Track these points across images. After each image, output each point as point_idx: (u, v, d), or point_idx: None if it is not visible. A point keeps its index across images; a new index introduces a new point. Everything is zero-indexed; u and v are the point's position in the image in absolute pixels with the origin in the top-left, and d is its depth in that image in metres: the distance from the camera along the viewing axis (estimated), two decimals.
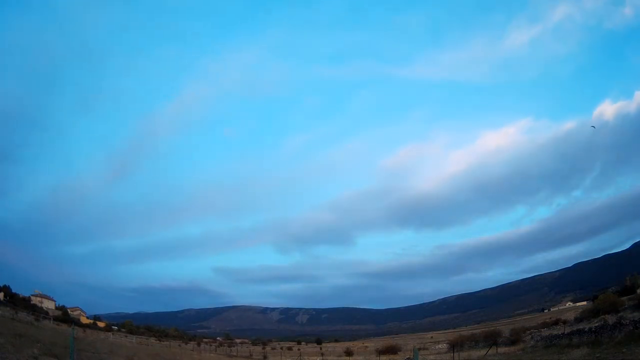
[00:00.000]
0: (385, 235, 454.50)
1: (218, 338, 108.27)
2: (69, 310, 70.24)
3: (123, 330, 70.17)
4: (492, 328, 50.10)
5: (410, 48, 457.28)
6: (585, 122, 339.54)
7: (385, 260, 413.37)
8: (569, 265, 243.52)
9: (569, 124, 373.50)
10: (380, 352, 45.72)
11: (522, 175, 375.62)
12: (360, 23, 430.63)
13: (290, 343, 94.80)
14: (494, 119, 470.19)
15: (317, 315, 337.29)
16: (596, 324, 26.28)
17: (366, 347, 66.91)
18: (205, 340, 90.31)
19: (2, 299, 50.67)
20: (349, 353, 49.22)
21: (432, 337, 79.20)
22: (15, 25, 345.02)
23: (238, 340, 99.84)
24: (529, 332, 42.13)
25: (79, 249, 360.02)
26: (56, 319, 48.54)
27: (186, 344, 63.90)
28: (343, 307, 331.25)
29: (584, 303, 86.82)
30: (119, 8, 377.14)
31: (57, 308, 66.87)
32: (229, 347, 70.42)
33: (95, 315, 78.51)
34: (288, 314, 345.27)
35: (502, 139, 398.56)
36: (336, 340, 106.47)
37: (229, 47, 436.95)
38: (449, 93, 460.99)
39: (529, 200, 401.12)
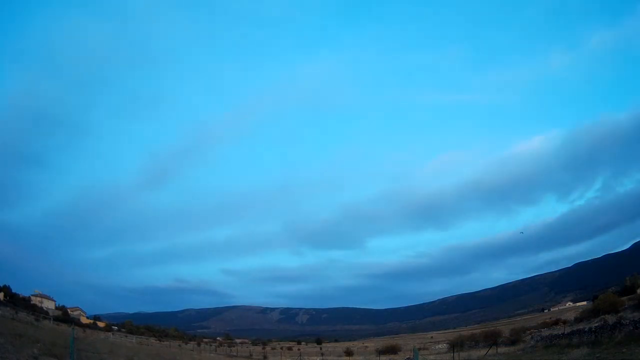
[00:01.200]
0: (393, 237, 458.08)
1: (218, 338, 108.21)
2: (69, 310, 70.19)
3: (123, 330, 70.13)
4: (492, 328, 50.11)
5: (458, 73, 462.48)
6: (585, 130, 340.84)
7: (394, 262, 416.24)
8: (569, 265, 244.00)
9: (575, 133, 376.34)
10: (380, 352, 45.77)
11: (526, 180, 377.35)
12: (423, 48, 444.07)
13: (290, 343, 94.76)
14: (522, 130, 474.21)
15: (317, 315, 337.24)
16: (596, 324, 26.27)
17: (366, 347, 66.92)
18: (205, 340, 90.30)
19: (2, 299, 50.62)
20: (349, 353, 49.26)
21: (432, 337, 79.19)
22: (73, 27, 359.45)
23: (238, 340, 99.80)
24: (529, 332, 42.13)
25: (100, 253, 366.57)
26: (56, 319, 48.52)
27: (186, 344, 63.89)
28: (343, 307, 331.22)
29: (584, 303, 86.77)
30: (180, 17, 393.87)
31: (57, 308, 66.82)
32: (229, 347, 70.42)
33: (95, 315, 78.49)
34: (288, 314, 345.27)
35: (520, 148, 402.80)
36: (336, 340, 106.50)
37: (297, 62, 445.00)
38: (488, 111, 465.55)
39: (531, 202, 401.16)
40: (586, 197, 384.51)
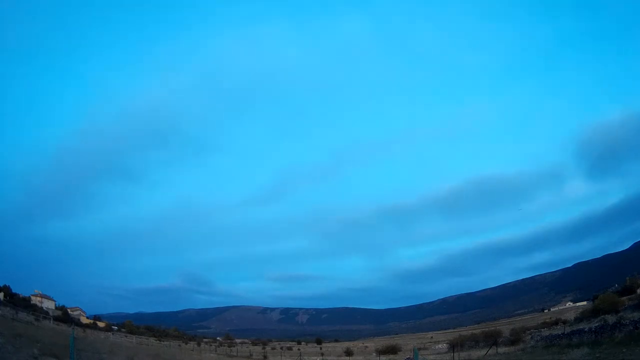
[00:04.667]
0: None
1: (218, 338, 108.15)
2: (69, 310, 70.17)
3: (123, 330, 70.12)
4: (492, 328, 50.18)
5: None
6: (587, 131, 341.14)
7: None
8: (569, 265, 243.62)
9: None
10: (380, 352, 45.78)
11: (525, 177, 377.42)
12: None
13: (290, 343, 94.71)
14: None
15: (317, 315, 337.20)
16: (596, 324, 26.27)
17: (366, 347, 66.92)
18: (205, 340, 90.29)
19: (2, 299, 50.63)
20: (349, 353, 49.27)
21: (432, 337, 79.17)
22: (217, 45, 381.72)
23: (238, 340, 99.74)
24: (529, 332, 42.15)
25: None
26: (56, 319, 48.56)
27: (186, 344, 63.89)
28: (343, 307, 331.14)
29: (584, 303, 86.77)
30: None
31: (57, 308, 66.81)
32: (229, 347, 70.39)
33: (95, 315, 78.44)
34: (288, 314, 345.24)
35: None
36: (336, 340, 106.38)
37: None
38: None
39: (530, 201, 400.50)
40: (586, 197, 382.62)
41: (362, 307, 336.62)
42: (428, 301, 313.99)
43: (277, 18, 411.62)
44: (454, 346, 39.98)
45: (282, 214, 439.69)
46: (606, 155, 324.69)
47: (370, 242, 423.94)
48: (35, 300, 62.25)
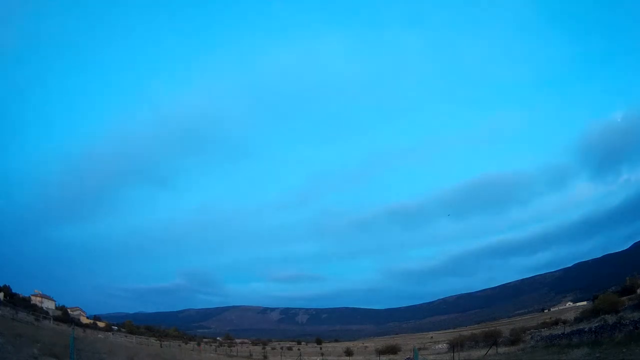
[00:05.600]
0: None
1: (218, 338, 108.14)
2: (69, 310, 70.16)
3: (123, 330, 70.11)
4: (492, 328, 50.14)
5: None
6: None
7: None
8: (569, 265, 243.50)
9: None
10: (380, 352, 45.78)
11: (527, 178, 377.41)
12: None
13: (290, 343, 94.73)
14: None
15: (317, 315, 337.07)
16: (596, 324, 26.29)
17: (366, 347, 66.90)
18: (205, 340, 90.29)
19: (2, 299, 50.62)
20: (349, 353, 49.28)
21: (432, 337, 79.16)
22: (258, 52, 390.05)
23: (238, 341, 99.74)
24: (529, 332, 42.15)
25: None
26: (56, 319, 48.56)
27: (186, 344, 63.90)
28: (343, 307, 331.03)
29: (584, 303, 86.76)
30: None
31: (57, 308, 66.81)
32: (229, 347, 70.41)
33: (95, 316, 78.47)
34: (288, 314, 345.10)
35: None
36: (336, 340, 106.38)
37: None
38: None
39: (529, 202, 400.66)
40: (585, 196, 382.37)
41: (362, 307, 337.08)
42: (428, 301, 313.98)
43: (327, 30, 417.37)
44: (454, 346, 39.98)
45: (299, 217, 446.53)
46: (607, 155, 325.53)
47: (378, 243, 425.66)
48: (35, 300, 62.25)
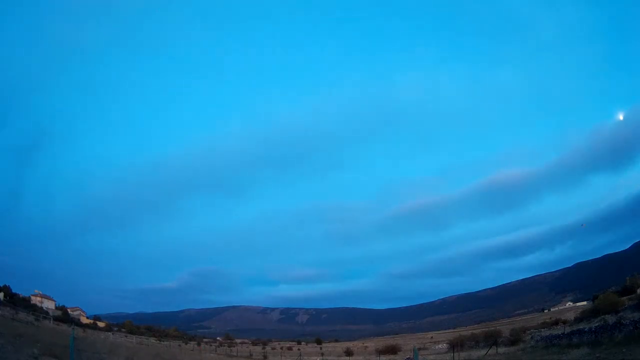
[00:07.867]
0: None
1: (218, 338, 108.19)
2: (69, 310, 70.18)
3: (123, 330, 70.08)
4: (492, 328, 50.20)
5: None
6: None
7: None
8: (569, 265, 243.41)
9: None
10: (380, 352, 45.78)
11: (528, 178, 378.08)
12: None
13: (290, 343, 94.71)
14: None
15: (317, 315, 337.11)
16: (596, 324, 26.31)
17: (366, 347, 66.89)
18: (205, 340, 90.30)
19: (2, 299, 50.63)
20: (349, 353, 49.27)
21: (432, 337, 79.13)
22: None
23: (238, 341, 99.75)
24: (529, 332, 42.19)
25: None
26: (56, 319, 48.55)
27: (186, 344, 63.88)
28: (343, 307, 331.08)
29: (584, 303, 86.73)
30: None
31: (57, 308, 66.83)
32: (229, 347, 70.39)
33: (95, 316, 78.51)
34: (288, 314, 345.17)
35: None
36: (336, 340, 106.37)
37: None
38: None
39: (531, 202, 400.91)
40: (585, 195, 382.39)
41: (362, 307, 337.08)
42: (428, 301, 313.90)
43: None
44: (454, 346, 39.98)
45: None
46: (608, 156, 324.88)
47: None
48: (35, 300, 62.27)
